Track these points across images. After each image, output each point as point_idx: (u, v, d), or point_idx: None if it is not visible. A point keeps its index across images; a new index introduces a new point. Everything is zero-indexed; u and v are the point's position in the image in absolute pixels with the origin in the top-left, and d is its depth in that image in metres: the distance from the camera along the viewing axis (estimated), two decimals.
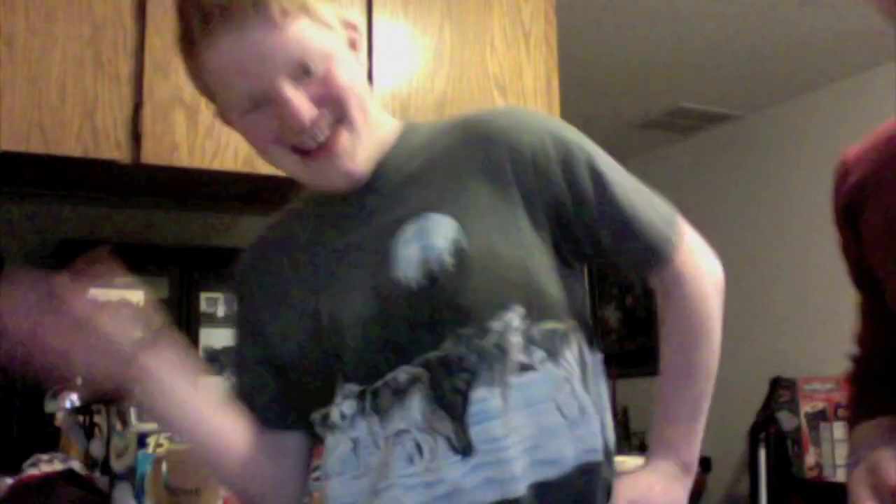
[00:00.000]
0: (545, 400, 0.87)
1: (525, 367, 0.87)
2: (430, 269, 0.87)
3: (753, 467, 3.61)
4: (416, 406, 0.86)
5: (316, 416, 0.94)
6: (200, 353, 5.12)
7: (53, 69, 1.56)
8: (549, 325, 0.89)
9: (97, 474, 1.59)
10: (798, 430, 3.68)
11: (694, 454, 0.98)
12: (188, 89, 1.66)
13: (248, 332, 1.02)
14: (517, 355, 0.86)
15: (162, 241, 5.08)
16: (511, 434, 0.85)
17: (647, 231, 0.99)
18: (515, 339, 0.86)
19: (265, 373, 0.99)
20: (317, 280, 0.94)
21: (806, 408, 3.69)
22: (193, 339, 4.98)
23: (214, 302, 5.34)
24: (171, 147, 1.63)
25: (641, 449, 4.30)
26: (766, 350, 4.17)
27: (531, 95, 2.00)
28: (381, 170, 0.95)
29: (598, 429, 0.92)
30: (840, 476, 3.61)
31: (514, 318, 0.87)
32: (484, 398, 0.85)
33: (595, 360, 0.97)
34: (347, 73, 0.90)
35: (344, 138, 0.89)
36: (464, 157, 0.92)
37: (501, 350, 0.86)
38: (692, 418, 0.98)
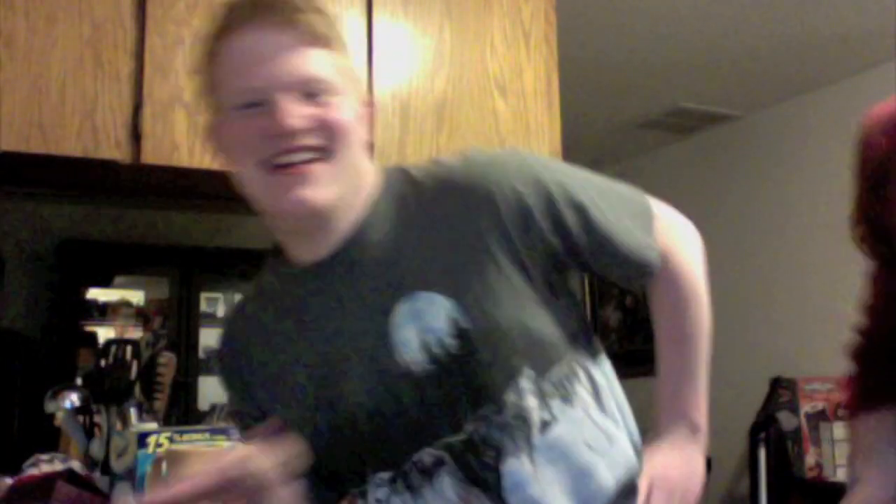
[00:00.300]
0: (573, 444, 0.89)
1: (546, 424, 0.88)
2: (433, 353, 0.86)
3: (753, 467, 3.61)
4: (447, 487, 0.87)
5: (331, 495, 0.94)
6: (200, 352, 5.13)
7: (53, 69, 1.56)
8: (556, 370, 0.90)
9: (97, 474, 1.59)
10: (798, 430, 3.68)
11: (702, 413, 1.00)
12: (188, 89, 1.66)
13: (251, 411, 0.98)
14: (536, 416, 0.88)
15: (162, 241, 5.09)
16: (548, 490, 0.86)
17: (631, 253, 0.99)
18: (531, 402, 0.87)
19: None
20: (312, 368, 0.91)
21: (806, 408, 3.69)
22: (193, 339, 4.99)
23: (214, 302, 5.35)
24: (171, 147, 1.63)
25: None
26: (766, 350, 4.17)
27: (531, 95, 2.00)
28: (361, 238, 0.91)
29: (627, 443, 0.94)
30: (840, 476, 3.61)
31: (525, 381, 0.88)
32: (515, 469, 0.86)
33: (602, 368, 0.99)
34: (348, 114, 0.89)
35: (320, 168, 0.86)
36: (446, 227, 0.90)
37: (522, 419, 0.87)
38: (694, 377, 1.00)
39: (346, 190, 0.89)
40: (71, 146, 1.55)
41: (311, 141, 0.86)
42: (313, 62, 0.86)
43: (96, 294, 5.02)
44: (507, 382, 0.87)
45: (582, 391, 0.92)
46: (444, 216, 0.90)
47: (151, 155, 1.61)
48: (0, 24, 1.53)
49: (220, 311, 5.41)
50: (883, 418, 1.16)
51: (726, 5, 3.17)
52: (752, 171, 4.38)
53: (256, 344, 0.97)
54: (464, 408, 0.86)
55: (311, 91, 0.86)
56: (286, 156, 0.86)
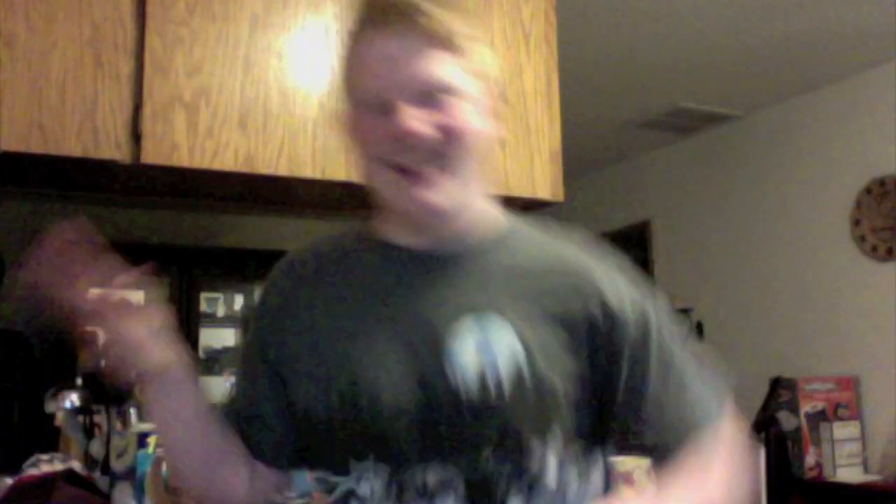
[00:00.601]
0: None
1: (561, 485, 0.89)
2: (486, 386, 0.87)
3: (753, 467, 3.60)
4: None
5: (324, 474, 0.94)
6: (200, 352, 5.13)
7: (53, 69, 1.56)
8: (582, 447, 0.92)
9: (97, 474, 1.59)
10: (798, 430, 3.68)
11: None
12: (188, 89, 1.66)
13: (265, 368, 0.99)
14: (553, 475, 0.89)
15: (162, 241, 5.09)
16: None
17: (685, 420, 0.97)
18: (552, 461, 0.89)
19: (271, 410, 0.98)
20: (354, 343, 0.92)
21: (806, 408, 3.69)
22: (193, 339, 4.99)
23: (214, 302, 5.36)
24: (171, 147, 1.62)
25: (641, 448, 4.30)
26: (766, 350, 4.17)
27: (531, 95, 2.00)
28: (463, 251, 0.95)
29: None
30: (840, 476, 3.61)
31: (554, 441, 0.89)
32: None
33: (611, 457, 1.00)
34: (471, 119, 0.91)
35: (440, 173, 0.90)
36: (549, 292, 0.92)
37: (540, 472, 0.88)
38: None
39: (464, 193, 0.93)
40: (71, 146, 1.55)
41: (429, 146, 0.89)
42: (436, 66, 0.89)
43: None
44: (537, 435, 0.88)
45: (596, 477, 0.94)
46: (551, 284, 0.93)
47: (151, 155, 1.61)
48: (0, 24, 1.53)
49: (220, 311, 5.41)
50: None
51: (726, 5, 3.17)
52: (752, 171, 4.38)
53: (306, 298, 0.98)
54: (488, 442, 0.87)
55: (432, 95, 0.89)
56: (406, 158, 0.89)
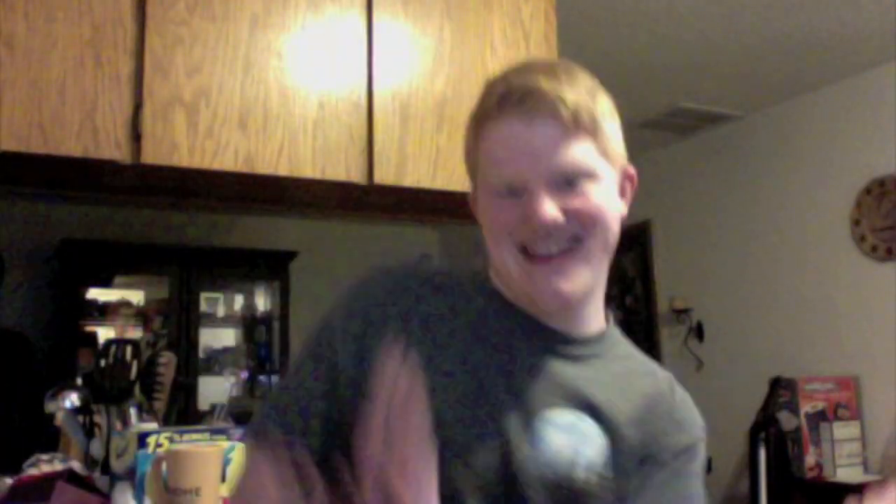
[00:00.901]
0: None
1: None
2: (573, 475, 0.87)
3: (753, 467, 3.61)
4: None
5: None
6: (200, 352, 5.13)
7: (53, 69, 1.56)
8: None
9: (97, 474, 1.59)
10: (798, 430, 3.68)
11: None
12: (188, 89, 1.66)
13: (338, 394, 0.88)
14: None
15: (162, 241, 5.09)
16: None
17: None
18: None
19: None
20: (459, 394, 0.88)
21: (806, 408, 3.69)
22: (193, 339, 4.99)
23: (214, 302, 5.36)
24: (171, 147, 1.62)
25: None
26: (766, 350, 4.17)
27: None
28: (578, 337, 0.95)
29: None
30: (840, 476, 3.61)
31: None
32: None
33: None
34: (605, 203, 0.90)
35: (573, 260, 0.89)
36: (640, 408, 0.93)
37: None
38: None
39: (598, 276, 0.93)
40: (71, 146, 1.55)
41: (566, 232, 0.88)
42: (573, 153, 0.88)
43: (96, 294, 5.02)
44: None
45: None
46: (643, 400, 0.95)
47: (151, 155, 1.61)
48: (0, 24, 1.53)
49: (220, 311, 5.42)
50: None
51: (726, 5, 3.17)
52: (752, 171, 4.38)
53: (423, 332, 0.90)
54: None
55: (569, 180, 0.87)
56: (541, 245, 0.88)
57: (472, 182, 0.97)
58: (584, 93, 0.91)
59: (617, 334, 1.01)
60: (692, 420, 0.98)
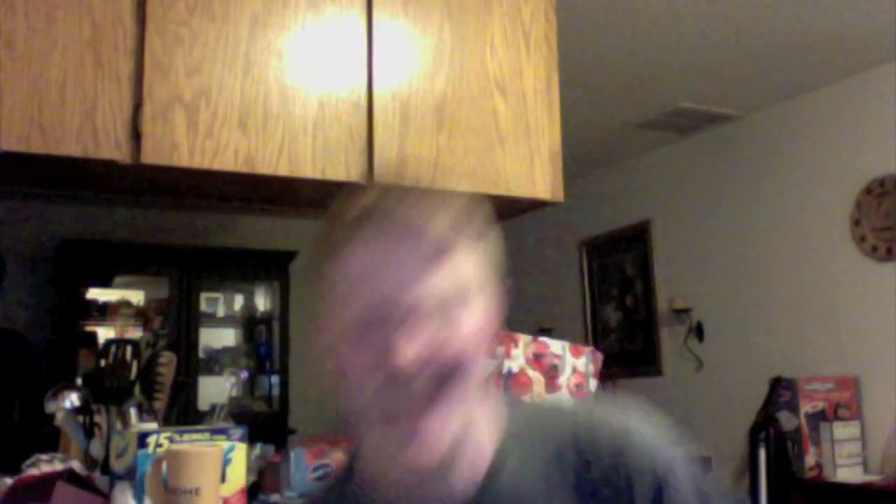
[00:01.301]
0: None
1: None
2: None
3: (753, 467, 3.61)
4: None
5: None
6: (200, 352, 5.14)
7: (53, 69, 1.56)
8: None
9: (97, 474, 1.59)
10: (798, 430, 3.68)
11: None
12: (188, 89, 1.66)
13: None
14: None
15: (162, 241, 5.09)
16: None
17: None
18: None
19: None
20: None
21: (806, 408, 3.69)
22: (193, 339, 4.99)
23: (214, 302, 5.36)
24: (171, 147, 1.62)
25: None
26: (766, 350, 4.17)
27: (531, 95, 2.00)
28: (490, 485, 0.81)
29: None
30: (840, 476, 3.61)
31: None
32: None
33: None
34: (470, 329, 0.77)
35: (440, 413, 0.75)
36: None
37: None
38: None
39: (465, 422, 0.79)
40: (71, 146, 1.55)
41: (426, 377, 0.75)
42: (437, 278, 0.76)
43: (96, 294, 5.02)
44: None
45: None
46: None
47: (151, 155, 1.61)
48: (0, 24, 1.53)
49: (220, 311, 5.42)
50: None
51: (726, 5, 3.17)
52: (752, 171, 4.38)
53: None
54: None
55: (431, 310, 0.75)
56: (398, 398, 0.75)
57: (319, 326, 0.81)
58: (452, 213, 0.80)
59: (509, 451, 0.84)
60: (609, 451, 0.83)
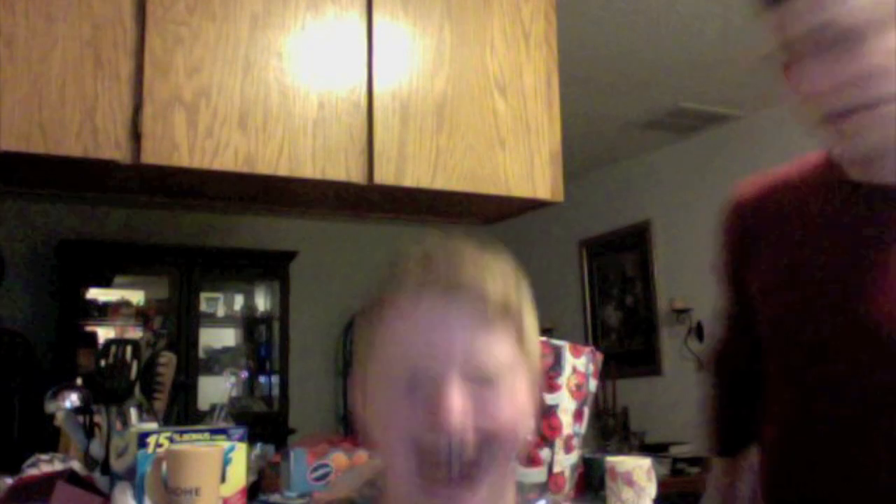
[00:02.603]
0: None
1: None
2: None
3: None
4: None
5: None
6: (200, 352, 5.14)
7: (53, 69, 1.56)
8: None
9: (97, 474, 1.59)
10: None
11: None
12: (188, 89, 1.66)
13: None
14: None
15: (162, 241, 5.09)
16: None
17: None
18: None
19: None
20: None
21: None
22: (193, 339, 4.99)
23: (214, 302, 5.36)
24: (171, 147, 1.62)
25: (641, 448, 4.30)
26: None
27: (531, 95, 2.00)
28: None
29: None
30: None
31: None
32: None
33: None
34: (517, 405, 0.77)
35: (476, 480, 0.74)
36: None
37: None
38: None
39: (497, 484, 0.77)
40: (71, 146, 1.55)
41: (470, 447, 0.73)
42: (496, 345, 0.75)
43: (96, 294, 5.02)
44: None
45: None
46: None
47: (151, 155, 1.61)
48: (0, 24, 1.53)
49: (221, 311, 5.42)
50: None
51: (726, 5, 3.17)
52: (752, 171, 4.37)
53: None
54: None
55: (481, 379, 0.74)
56: (446, 457, 0.73)
57: (358, 378, 0.81)
58: (510, 280, 0.79)
59: None
60: None
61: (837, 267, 1.07)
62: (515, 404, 0.76)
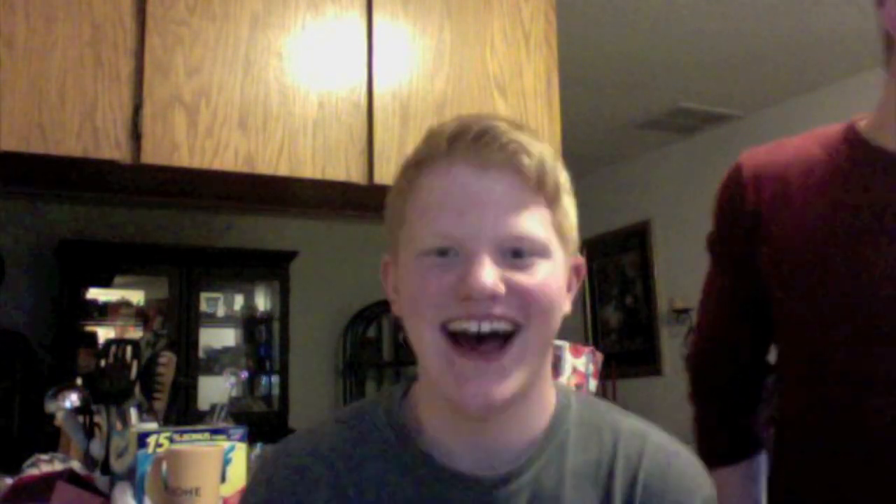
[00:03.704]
0: None
1: None
2: None
3: None
4: None
5: None
6: (200, 352, 5.14)
7: (53, 69, 1.56)
8: None
9: (97, 474, 1.59)
10: None
11: None
12: (188, 89, 1.66)
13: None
14: None
15: (162, 241, 5.09)
16: None
17: None
18: None
19: None
20: None
21: None
22: (193, 339, 4.99)
23: (214, 302, 5.36)
24: (171, 147, 1.62)
25: None
26: None
27: (531, 95, 2.00)
28: (514, 469, 0.76)
29: None
30: None
31: None
32: None
33: None
34: (554, 282, 0.75)
35: (508, 354, 0.72)
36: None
37: None
38: None
39: (533, 377, 0.75)
40: (71, 146, 1.55)
41: (505, 312, 0.71)
42: (529, 219, 0.73)
43: (96, 294, 5.02)
44: None
45: None
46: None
47: (151, 155, 1.61)
48: (0, 24, 1.53)
49: (220, 311, 5.42)
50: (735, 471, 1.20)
51: (726, 5, 3.17)
52: None
53: None
54: None
55: (517, 251, 0.72)
56: (473, 323, 0.71)
57: (390, 246, 0.79)
58: (549, 153, 0.76)
59: (570, 416, 0.81)
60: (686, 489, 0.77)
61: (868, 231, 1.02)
62: (549, 280, 0.74)
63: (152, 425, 1.62)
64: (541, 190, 0.74)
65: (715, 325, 1.28)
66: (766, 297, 1.13)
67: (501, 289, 0.71)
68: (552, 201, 0.75)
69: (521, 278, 0.72)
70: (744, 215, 1.17)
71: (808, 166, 1.12)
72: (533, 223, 0.73)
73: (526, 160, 0.73)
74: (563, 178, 0.78)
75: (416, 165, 0.77)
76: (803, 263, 1.07)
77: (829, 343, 1.04)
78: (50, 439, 1.91)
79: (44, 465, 1.57)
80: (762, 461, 1.19)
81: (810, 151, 1.14)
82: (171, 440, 1.41)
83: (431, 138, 0.77)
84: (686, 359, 1.32)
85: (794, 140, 1.18)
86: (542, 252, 0.74)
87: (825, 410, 1.04)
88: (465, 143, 0.74)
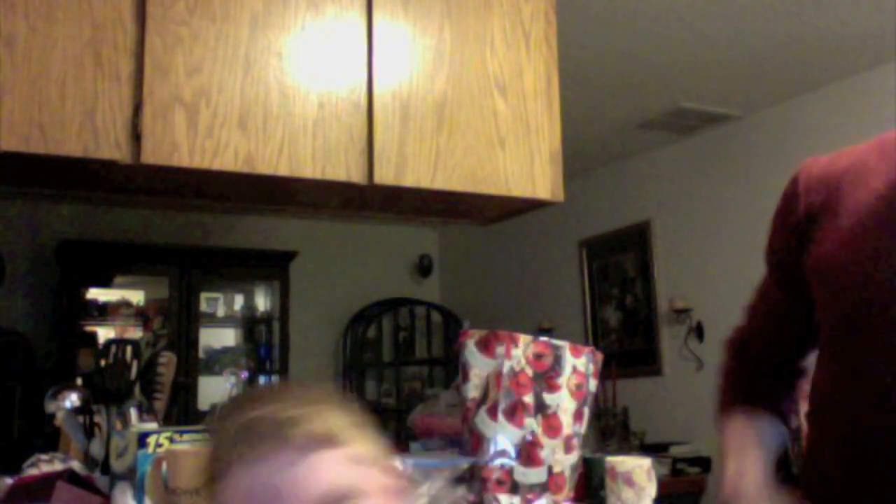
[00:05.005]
0: None
1: None
2: None
3: None
4: None
5: None
6: (200, 352, 5.14)
7: (53, 69, 1.55)
8: None
9: (97, 474, 1.59)
10: (798, 429, 3.67)
11: None
12: (188, 89, 1.66)
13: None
14: None
15: (162, 241, 5.09)
16: None
17: None
18: None
19: None
20: None
21: (806, 407, 3.68)
22: (193, 339, 4.99)
23: (214, 302, 5.37)
24: (171, 147, 1.62)
25: (641, 448, 4.30)
26: None
27: (531, 95, 2.00)
28: None
29: None
30: None
31: None
32: None
33: None
34: None
35: None
36: None
37: None
38: None
39: None
40: (71, 146, 1.55)
41: None
42: (325, 470, 0.73)
43: (96, 294, 5.03)
44: None
45: None
46: None
47: (151, 155, 1.61)
48: (0, 24, 1.53)
49: (221, 311, 5.42)
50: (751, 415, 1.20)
51: (726, 5, 3.17)
52: (752, 171, 4.38)
53: None
54: None
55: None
56: None
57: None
58: (325, 411, 0.77)
59: None
60: None
61: None
62: None
63: (152, 425, 1.62)
64: (325, 442, 0.74)
65: (760, 327, 1.34)
66: (811, 307, 1.15)
67: None
68: (340, 444, 0.75)
69: None
70: (795, 224, 1.17)
71: (863, 175, 1.11)
72: (330, 473, 0.73)
73: (302, 426, 0.74)
74: (350, 420, 0.78)
75: (221, 461, 0.77)
76: (845, 274, 1.07)
77: (866, 355, 1.06)
78: (50, 439, 1.91)
79: (44, 465, 1.57)
80: (776, 432, 1.24)
81: (867, 160, 1.13)
82: (171, 440, 1.41)
83: (223, 443, 0.78)
84: (726, 343, 1.38)
85: (859, 147, 1.17)
86: (351, 495, 0.73)
87: (859, 422, 1.10)
88: (251, 441, 0.74)
